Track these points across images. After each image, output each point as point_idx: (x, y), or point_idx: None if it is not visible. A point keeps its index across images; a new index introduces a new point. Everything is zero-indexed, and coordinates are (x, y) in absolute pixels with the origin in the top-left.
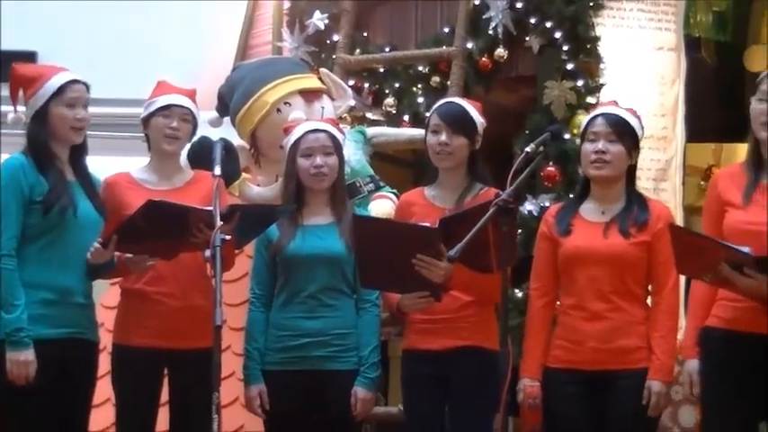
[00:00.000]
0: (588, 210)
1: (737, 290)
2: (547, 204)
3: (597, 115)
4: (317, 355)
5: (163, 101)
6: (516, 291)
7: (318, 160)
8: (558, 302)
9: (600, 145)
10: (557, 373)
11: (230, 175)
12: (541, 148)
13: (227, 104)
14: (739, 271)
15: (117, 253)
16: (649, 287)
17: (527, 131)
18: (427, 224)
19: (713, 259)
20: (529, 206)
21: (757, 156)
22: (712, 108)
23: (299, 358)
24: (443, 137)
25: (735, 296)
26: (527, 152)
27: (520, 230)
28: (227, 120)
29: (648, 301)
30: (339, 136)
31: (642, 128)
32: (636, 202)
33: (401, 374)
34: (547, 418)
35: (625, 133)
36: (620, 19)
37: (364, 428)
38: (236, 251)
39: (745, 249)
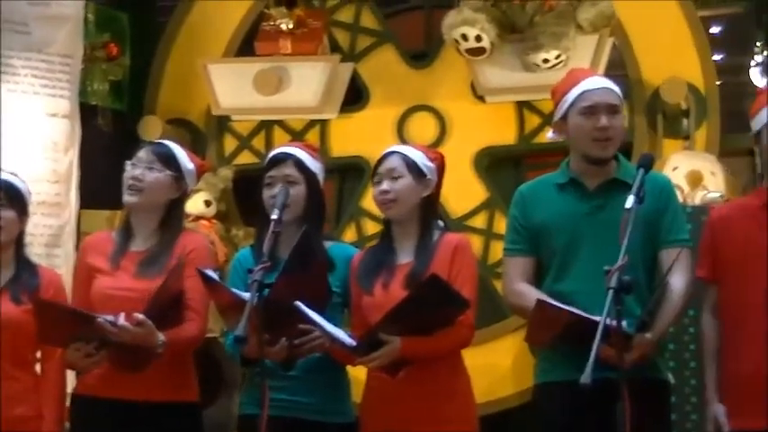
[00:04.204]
0: None
1: None
2: None
3: None
4: None
5: None
6: None
7: None
8: None
9: None
10: None
11: None
12: None
13: None
14: None
15: None
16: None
17: None
18: None
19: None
20: None
21: (128, 223)
22: (108, 175)
23: None
24: None
25: None
26: None
27: None
28: None
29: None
30: None
31: (30, 192)
32: (26, 268)
33: None
34: None
35: (14, 199)
36: (14, 84)
37: None
38: None
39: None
